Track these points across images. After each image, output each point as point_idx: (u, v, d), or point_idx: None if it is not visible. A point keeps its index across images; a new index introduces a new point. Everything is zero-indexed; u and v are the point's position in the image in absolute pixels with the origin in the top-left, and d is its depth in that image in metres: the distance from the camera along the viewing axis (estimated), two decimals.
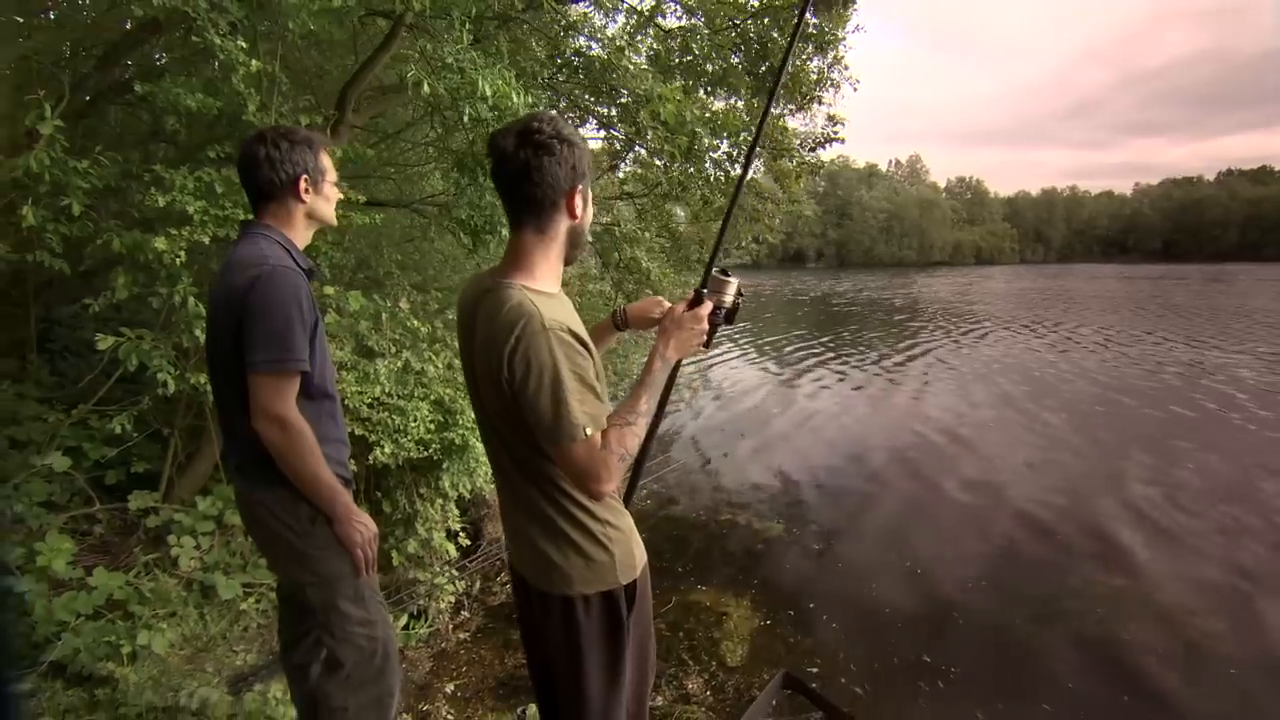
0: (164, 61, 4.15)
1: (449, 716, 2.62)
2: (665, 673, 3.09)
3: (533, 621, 1.42)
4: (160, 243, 2.70)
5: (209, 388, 3.06)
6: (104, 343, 2.76)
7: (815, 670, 3.24)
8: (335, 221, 1.78)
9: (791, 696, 2.43)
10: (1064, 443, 7.77)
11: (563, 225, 1.25)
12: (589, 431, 1.16)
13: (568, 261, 1.32)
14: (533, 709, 2.45)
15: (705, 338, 1.40)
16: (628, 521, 1.39)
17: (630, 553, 1.36)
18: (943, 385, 11.08)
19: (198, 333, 2.82)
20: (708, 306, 1.39)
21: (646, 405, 1.27)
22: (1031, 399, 9.89)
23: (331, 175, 1.70)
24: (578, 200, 1.24)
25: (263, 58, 3.03)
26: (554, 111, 1.29)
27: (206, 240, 2.81)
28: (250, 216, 1.68)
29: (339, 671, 1.67)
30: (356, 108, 3.85)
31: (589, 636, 1.34)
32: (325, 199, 1.69)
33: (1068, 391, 10.46)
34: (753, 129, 5.88)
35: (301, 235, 1.67)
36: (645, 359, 1.37)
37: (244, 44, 2.80)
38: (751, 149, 1.88)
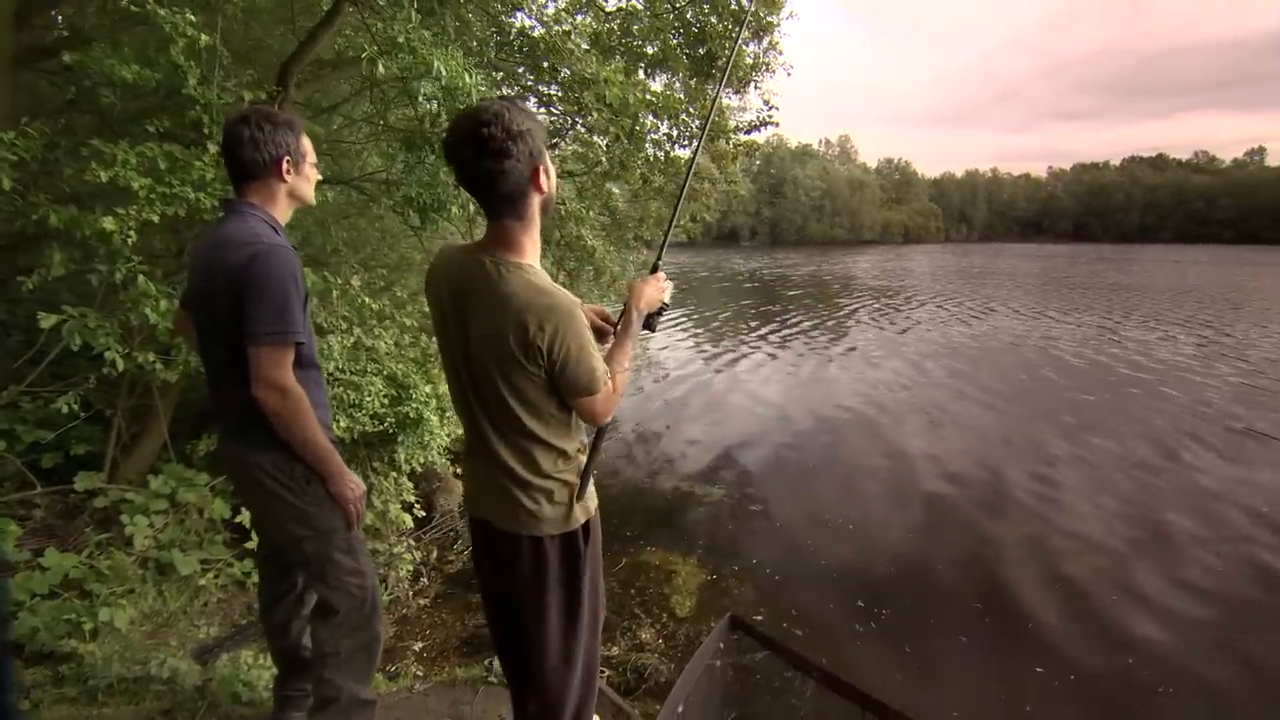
0: (84, 27, 3.97)
1: (419, 673, 2.75)
2: (619, 626, 3.32)
3: (498, 561, 1.58)
4: (109, 222, 2.66)
5: (156, 365, 3.07)
6: (47, 321, 2.71)
7: (760, 618, 3.55)
8: (313, 201, 1.83)
9: (739, 639, 2.66)
10: (969, 409, 8.45)
11: (535, 202, 1.39)
12: (606, 380, 1.42)
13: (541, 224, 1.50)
14: (499, 662, 2.61)
15: (663, 295, 1.68)
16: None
17: (586, 497, 1.56)
18: (867, 359, 11.74)
19: (147, 310, 2.80)
20: (663, 275, 1.70)
21: (631, 351, 1.57)
22: (940, 369, 10.68)
23: (311, 157, 1.75)
24: (542, 177, 1.36)
25: (201, 29, 2.97)
26: (499, 99, 1.40)
27: (155, 219, 2.78)
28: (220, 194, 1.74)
29: (333, 618, 1.78)
30: (298, 84, 3.80)
31: (553, 571, 1.53)
32: (305, 179, 1.73)
33: (979, 366, 11.25)
34: (691, 110, 6.05)
35: (283, 214, 1.73)
36: None
37: (192, 17, 2.75)
38: (702, 135, 2.05)
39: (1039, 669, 3.45)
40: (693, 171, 2.01)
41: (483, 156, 1.26)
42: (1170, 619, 3.91)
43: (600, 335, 1.68)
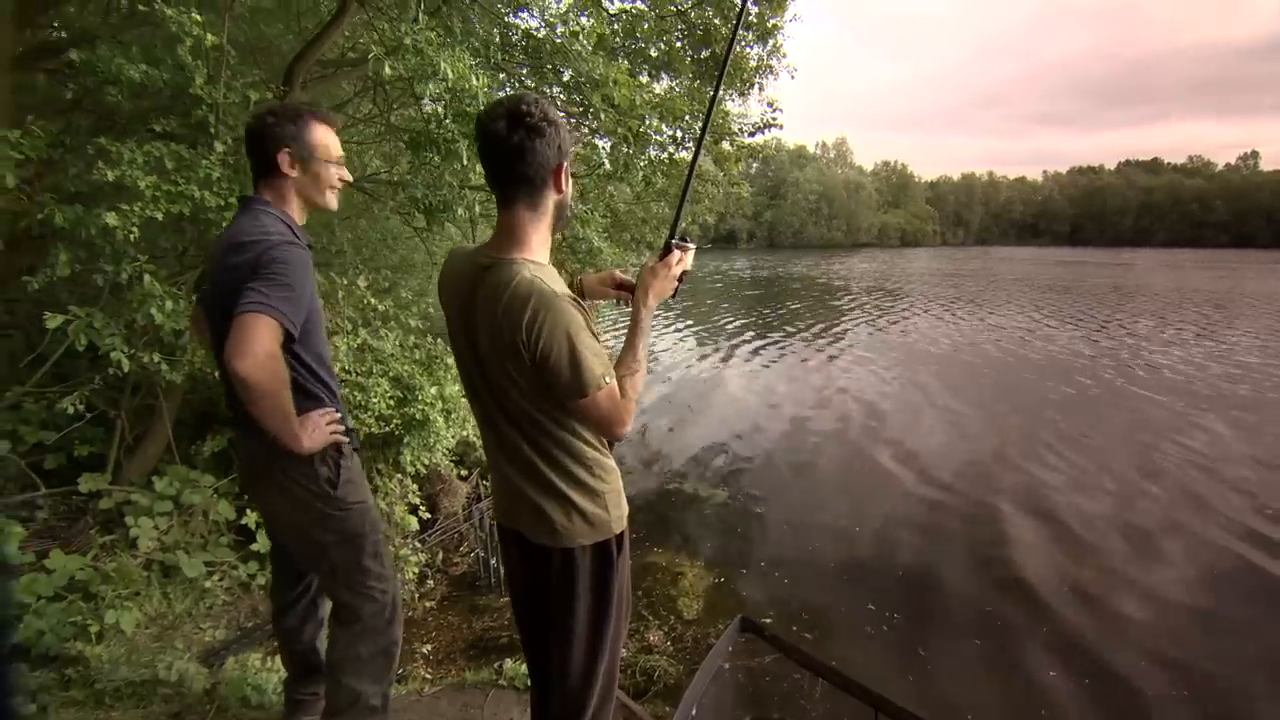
0: (87, 26, 3.95)
1: (427, 676, 2.74)
2: (628, 628, 3.31)
3: (531, 574, 1.52)
4: (111, 218, 2.64)
5: (162, 366, 3.04)
6: (53, 321, 2.68)
7: (768, 620, 3.53)
8: (332, 205, 1.70)
9: (749, 640, 2.64)
10: (971, 412, 8.46)
11: (551, 200, 1.35)
12: (607, 380, 1.31)
13: (554, 232, 1.43)
14: (509, 664, 2.59)
15: (676, 285, 1.52)
16: (618, 478, 1.52)
17: (620, 506, 1.49)
18: (862, 360, 11.75)
19: (153, 311, 2.78)
20: (676, 256, 1.50)
21: (643, 352, 1.43)
22: (937, 374, 10.68)
23: (328, 154, 1.64)
24: (562, 177, 1.34)
25: (209, 28, 2.96)
26: (536, 94, 1.36)
27: (159, 217, 2.76)
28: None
29: (355, 625, 1.76)
30: (304, 84, 3.78)
31: (583, 581, 1.46)
32: (315, 178, 1.64)
33: (969, 367, 11.28)
34: (695, 112, 6.05)
35: (298, 213, 1.65)
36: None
37: (199, 17, 2.73)
38: (703, 132, 1.95)
39: (1052, 672, 3.44)
40: (695, 170, 1.82)
41: (515, 129, 1.26)
42: (1186, 620, 3.91)
43: (621, 287, 1.61)
